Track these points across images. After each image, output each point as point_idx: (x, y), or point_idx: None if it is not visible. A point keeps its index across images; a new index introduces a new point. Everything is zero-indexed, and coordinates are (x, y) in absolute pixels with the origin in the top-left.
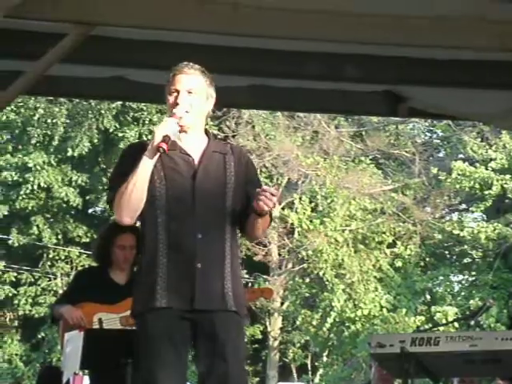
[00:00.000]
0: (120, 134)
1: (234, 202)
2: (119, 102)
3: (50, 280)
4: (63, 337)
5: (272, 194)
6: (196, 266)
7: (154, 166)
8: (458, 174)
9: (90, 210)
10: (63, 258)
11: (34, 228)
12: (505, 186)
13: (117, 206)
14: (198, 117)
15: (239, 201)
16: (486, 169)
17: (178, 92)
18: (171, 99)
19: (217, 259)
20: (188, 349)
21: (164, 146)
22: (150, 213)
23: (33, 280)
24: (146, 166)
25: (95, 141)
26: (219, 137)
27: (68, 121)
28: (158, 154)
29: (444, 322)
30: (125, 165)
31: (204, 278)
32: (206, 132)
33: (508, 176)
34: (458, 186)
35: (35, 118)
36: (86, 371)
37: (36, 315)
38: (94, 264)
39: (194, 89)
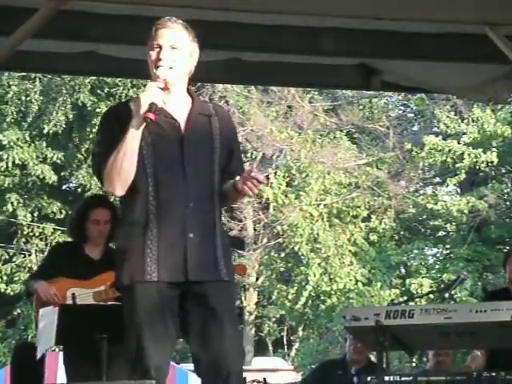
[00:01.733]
0: (96, 110)
1: (221, 167)
2: (94, 78)
3: (24, 257)
4: (37, 312)
5: (259, 182)
6: (188, 235)
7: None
8: (430, 148)
9: (65, 187)
10: (38, 234)
11: (9, 205)
12: (476, 159)
13: (107, 178)
14: (182, 74)
15: (223, 166)
16: (458, 143)
17: (160, 47)
18: (153, 55)
19: (208, 228)
20: (176, 322)
21: (151, 115)
22: (138, 181)
23: (7, 257)
24: (133, 136)
25: (70, 116)
26: None
27: (42, 97)
28: (145, 123)
29: (418, 293)
30: (110, 130)
31: (196, 248)
32: (189, 91)
33: (480, 149)
34: (430, 160)
35: (9, 95)
36: (61, 347)
37: (11, 293)
38: (68, 239)
39: (177, 44)
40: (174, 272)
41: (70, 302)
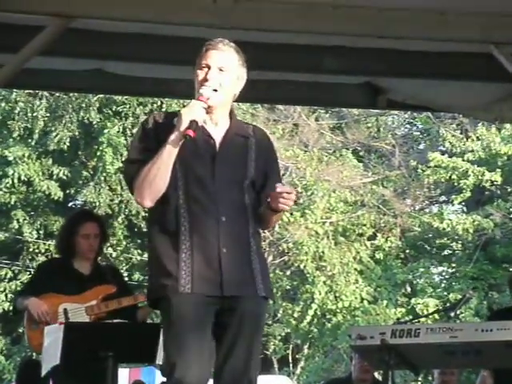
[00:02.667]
0: (101, 128)
1: (255, 188)
2: (101, 96)
3: (30, 274)
4: (29, 329)
5: (289, 193)
6: (221, 250)
7: None
8: (435, 166)
9: (70, 204)
10: (43, 251)
11: (15, 222)
12: (481, 177)
13: (138, 188)
14: (226, 97)
15: (258, 188)
16: (463, 160)
17: (208, 68)
18: (201, 74)
19: (242, 245)
20: (211, 334)
21: (191, 133)
22: (169, 193)
23: (12, 275)
24: (170, 152)
25: (76, 134)
26: None
27: (48, 114)
28: (184, 140)
29: (424, 313)
30: (147, 139)
31: (231, 263)
32: (230, 113)
33: (484, 168)
34: (435, 177)
35: (15, 111)
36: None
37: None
38: (56, 256)
39: (225, 67)
40: (210, 285)
41: (62, 317)
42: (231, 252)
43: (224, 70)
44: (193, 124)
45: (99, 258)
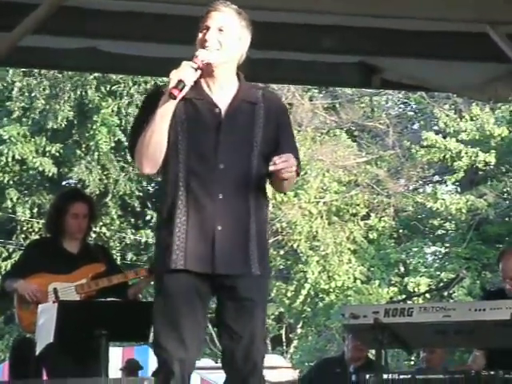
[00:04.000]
0: (96, 107)
1: (262, 159)
2: (97, 74)
3: None
4: (19, 309)
5: (285, 161)
6: (216, 227)
7: (178, 117)
8: (429, 146)
9: (64, 182)
10: (37, 230)
11: (8, 201)
12: (474, 158)
13: (137, 155)
14: (228, 57)
15: (267, 157)
16: (457, 141)
17: (207, 29)
18: (200, 36)
19: (240, 221)
20: (206, 308)
21: (176, 92)
22: (171, 168)
23: (7, 254)
24: (161, 114)
25: (70, 113)
26: None
27: (46, 92)
28: (171, 99)
29: (416, 292)
30: (146, 112)
31: (225, 240)
32: (238, 76)
33: (478, 149)
34: (428, 157)
35: (13, 92)
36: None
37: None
38: (45, 235)
39: (225, 26)
40: (201, 262)
41: (52, 297)
42: (227, 230)
43: (223, 29)
44: (180, 83)
45: (88, 237)
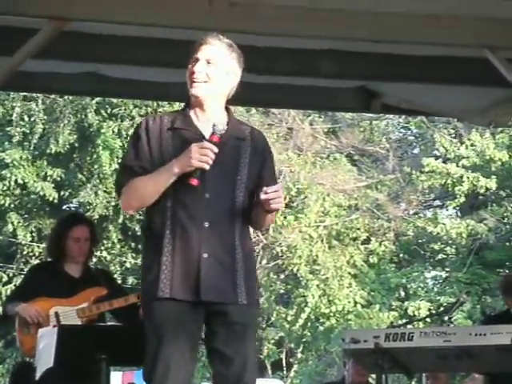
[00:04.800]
0: (97, 130)
1: (246, 192)
2: (97, 98)
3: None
4: (20, 333)
5: (276, 191)
6: (202, 255)
7: (165, 148)
8: (429, 171)
9: (65, 206)
10: (37, 254)
11: (9, 225)
12: (475, 183)
13: (128, 198)
14: (216, 90)
15: (251, 192)
16: (457, 166)
17: (196, 61)
18: (189, 67)
19: (226, 250)
20: (196, 335)
21: (195, 182)
22: (158, 198)
23: (7, 279)
24: (168, 180)
25: (73, 137)
26: None
27: (46, 117)
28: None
29: (416, 316)
30: (139, 145)
31: (211, 268)
32: (227, 111)
33: (479, 173)
34: (429, 183)
35: (13, 117)
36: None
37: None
38: (47, 260)
39: (213, 59)
40: (187, 291)
41: (53, 320)
42: (213, 258)
43: (211, 62)
44: (197, 172)
45: (90, 261)
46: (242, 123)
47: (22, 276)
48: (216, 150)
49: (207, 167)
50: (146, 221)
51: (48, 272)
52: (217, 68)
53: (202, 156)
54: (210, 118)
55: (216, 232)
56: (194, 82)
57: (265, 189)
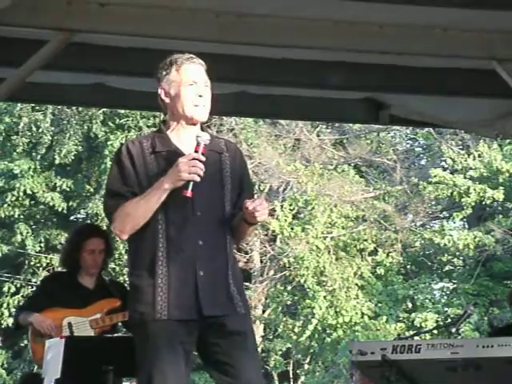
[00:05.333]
0: (105, 141)
1: (231, 204)
2: (104, 109)
3: (32, 287)
4: (33, 342)
5: (261, 204)
6: (198, 273)
7: (151, 171)
8: (437, 182)
9: (73, 217)
10: (45, 265)
11: (18, 236)
12: (483, 194)
13: (120, 222)
14: None
15: (234, 204)
16: (465, 177)
17: (195, 83)
18: (192, 90)
19: (219, 266)
20: (189, 359)
21: (189, 194)
22: (148, 223)
23: (15, 290)
24: (160, 198)
25: (79, 148)
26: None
27: (53, 128)
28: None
29: (423, 327)
30: (126, 172)
31: (208, 284)
32: (202, 128)
33: (486, 185)
34: (436, 194)
35: (20, 126)
36: None
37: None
38: (61, 270)
39: (207, 82)
40: (186, 310)
41: (66, 331)
42: (208, 274)
43: (207, 85)
44: (189, 184)
45: (104, 272)
46: (216, 136)
47: (33, 286)
48: (203, 159)
49: (198, 179)
50: (136, 243)
51: (62, 282)
52: (209, 90)
53: (191, 168)
54: (191, 136)
55: (209, 249)
56: (198, 106)
57: (247, 202)
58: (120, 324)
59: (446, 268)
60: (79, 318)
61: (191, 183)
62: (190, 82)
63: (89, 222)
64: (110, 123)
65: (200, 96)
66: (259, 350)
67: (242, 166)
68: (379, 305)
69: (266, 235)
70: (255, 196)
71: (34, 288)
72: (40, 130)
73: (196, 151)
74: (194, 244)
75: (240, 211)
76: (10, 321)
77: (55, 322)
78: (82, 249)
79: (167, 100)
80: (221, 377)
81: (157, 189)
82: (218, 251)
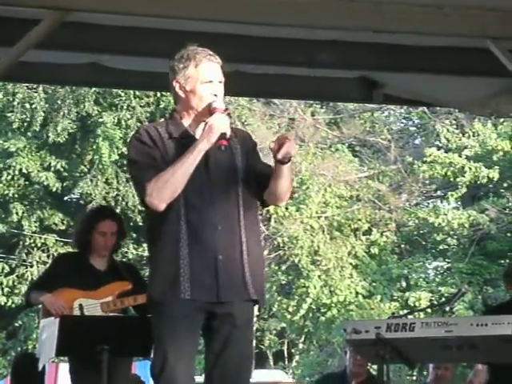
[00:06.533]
0: (99, 120)
1: (244, 186)
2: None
3: (26, 268)
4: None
5: (288, 139)
6: (218, 257)
7: (172, 156)
8: (431, 162)
9: (67, 197)
10: (39, 245)
11: (14, 216)
12: (477, 173)
13: (158, 191)
14: None
15: (250, 184)
16: (460, 156)
17: (211, 82)
18: (208, 89)
19: (235, 249)
20: (199, 340)
21: (225, 142)
22: (171, 203)
23: (9, 270)
24: (196, 159)
25: (73, 127)
26: None
27: (47, 105)
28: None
29: (417, 306)
30: (150, 151)
31: (226, 269)
32: None
33: (481, 164)
34: (431, 173)
35: (14, 103)
36: (61, 358)
37: (12, 305)
38: (73, 250)
39: (222, 79)
40: (207, 292)
41: (77, 312)
42: (227, 259)
43: (221, 81)
44: (224, 135)
45: (116, 254)
46: None
47: (27, 266)
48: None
49: (229, 132)
50: (157, 225)
51: (74, 263)
52: (223, 86)
53: (222, 122)
54: (202, 125)
55: (227, 234)
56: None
57: (272, 144)
58: (131, 308)
59: (440, 247)
60: (90, 301)
61: (224, 135)
62: (206, 80)
63: (103, 203)
64: (102, 102)
65: (215, 95)
66: (254, 329)
67: (251, 146)
68: (373, 284)
69: (261, 215)
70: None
71: (47, 266)
72: (34, 106)
73: (220, 144)
74: (214, 228)
75: (260, 176)
76: (3, 299)
77: (66, 303)
78: (94, 230)
79: (181, 94)
80: (209, 362)
81: (191, 151)
82: (234, 237)
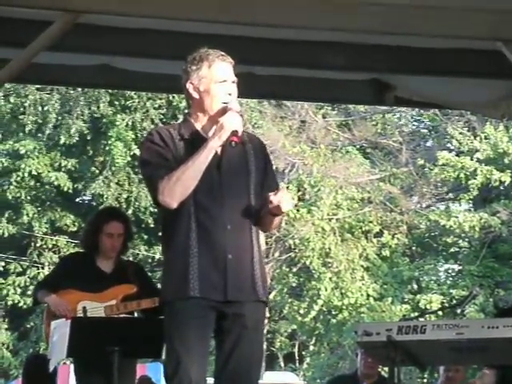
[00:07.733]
0: (110, 122)
1: (255, 193)
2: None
3: (38, 269)
4: (48, 325)
5: (283, 196)
6: (227, 257)
7: (184, 155)
8: (444, 164)
9: (78, 199)
10: (51, 247)
11: (24, 217)
12: (489, 176)
13: (170, 189)
14: None
15: (259, 192)
16: (471, 159)
17: (225, 82)
18: (222, 88)
19: (245, 249)
20: (210, 339)
21: (236, 139)
22: (182, 202)
23: (21, 270)
24: (207, 157)
25: (84, 128)
26: None
27: (59, 107)
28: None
29: (428, 309)
30: (163, 151)
31: (235, 269)
32: None
33: (493, 167)
34: (443, 176)
35: (26, 105)
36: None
37: (24, 305)
38: (80, 250)
39: (235, 79)
40: (216, 290)
41: (80, 314)
42: (236, 259)
43: (235, 81)
44: (235, 133)
45: (123, 255)
46: None
47: (39, 268)
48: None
49: (241, 129)
50: (169, 224)
51: (80, 264)
52: (236, 86)
53: (234, 119)
54: (213, 127)
55: (237, 234)
56: (226, 103)
57: (272, 197)
58: (136, 312)
59: (452, 250)
60: (94, 303)
61: (236, 132)
62: (220, 80)
63: (112, 205)
64: (116, 103)
65: (229, 94)
66: (265, 331)
67: (264, 154)
68: (384, 286)
69: None
70: (279, 187)
71: (55, 266)
72: (46, 109)
73: (231, 141)
74: (223, 228)
75: (264, 203)
76: (17, 299)
77: (70, 304)
78: (101, 231)
79: (195, 95)
80: (218, 363)
81: (203, 149)
82: (244, 237)
